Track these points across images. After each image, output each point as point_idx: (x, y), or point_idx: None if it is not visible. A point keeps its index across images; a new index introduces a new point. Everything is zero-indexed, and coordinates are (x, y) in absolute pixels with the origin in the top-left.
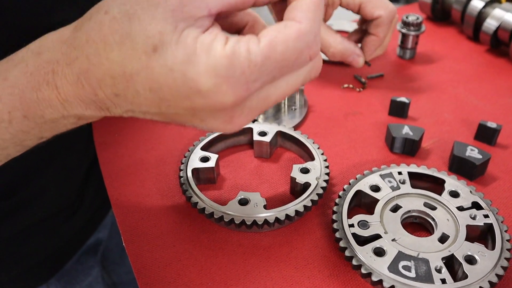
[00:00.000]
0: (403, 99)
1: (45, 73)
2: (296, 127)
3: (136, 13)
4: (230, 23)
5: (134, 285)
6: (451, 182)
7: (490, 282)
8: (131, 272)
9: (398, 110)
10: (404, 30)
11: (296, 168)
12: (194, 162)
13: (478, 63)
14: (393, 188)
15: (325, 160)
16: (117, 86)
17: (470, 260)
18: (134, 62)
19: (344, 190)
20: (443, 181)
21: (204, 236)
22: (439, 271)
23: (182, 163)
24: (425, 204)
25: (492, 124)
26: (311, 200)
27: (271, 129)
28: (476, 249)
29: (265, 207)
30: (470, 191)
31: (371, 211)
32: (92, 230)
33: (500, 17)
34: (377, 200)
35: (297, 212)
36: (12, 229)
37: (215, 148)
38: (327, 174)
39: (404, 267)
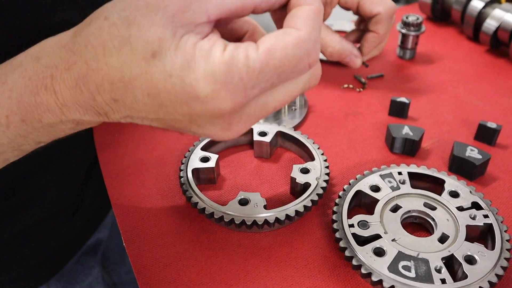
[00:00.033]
0: (403, 99)
1: (43, 78)
2: (296, 127)
3: (135, 19)
4: (230, 31)
5: (134, 285)
6: (451, 182)
7: (489, 282)
8: (131, 272)
9: (398, 110)
10: (404, 31)
11: (296, 168)
12: (194, 162)
13: (478, 63)
14: (393, 188)
15: (325, 160)
16: (115, 91)
17: (470, 260)
18: (133, 67)
19: (344, 190)
20: (443, 181)
21: (204, 236)
22: (439, 271)
23: (182, 163)
24: (425, 204)
25: (492, 124)
26: (311, 200)
27: (271, 129)
28: (476, 249)
29: (265, 207)
30: (470, 191)
31: (371, 211)
32: (92, 230)
33: (500, 18)
34: (377, 200)
35: (297, 212)
36: (12, 229)
37: (215, 148)
38: (327, 174)
39: (404, 267)
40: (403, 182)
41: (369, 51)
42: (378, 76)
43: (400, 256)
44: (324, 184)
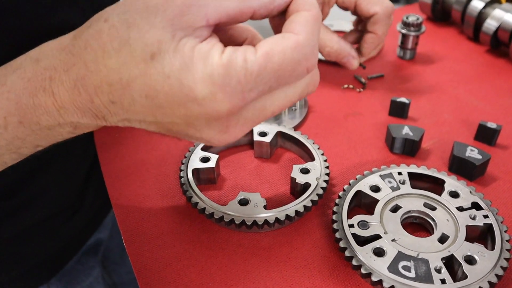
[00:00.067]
0: (403, 99)
1: (42, 79)
2: (296, 128)
3: (135, 21)
4: (229, 38)
5: (134, 285)
6: (451, 182)
7: (489, 282)
8: (131, 272)
9: (398, 110)
10: (404, 31)
11: (296, 168)
12: (195, 162)
13: (478, 63)
14: (393, 189)
15: (325, 161)
16: (113, 93)
17: (470, 260)
18: (131, 68)
19: (344, 190)
20: (443, 182)
21: (204, 236)
22: (438, 271)
23: (183, 164)
24: (425, 205)
25: (492, 125)
26: (311, 201)
27: (271, 129)
28: (475, 250)
29: (265, 207)
30: (470, 192)
31: (371, 212)
32: (92, 230)
33: (500, 18)
34: (377, 201)
35: (297, 212)
36: (13, 230)
37: (215, 149)
38: (327, 174)
39: (404, 267)
40: (403, 182)
41: (369, 52)
42: (378, 76)
43: (400, 256)
44: (324, 184)
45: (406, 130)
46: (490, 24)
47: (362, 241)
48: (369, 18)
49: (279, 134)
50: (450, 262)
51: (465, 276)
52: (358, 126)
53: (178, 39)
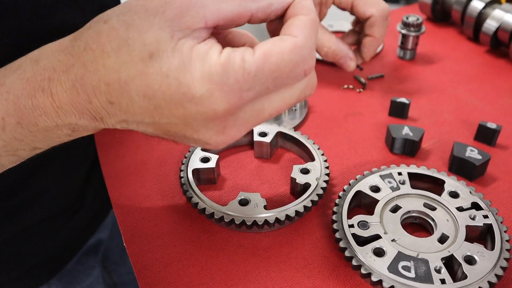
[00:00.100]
0: (403, 99)
1: (41, 80)
2: (296, 128)
3: (134, 22)
4: (227, 43)
5: (134, 285)
6: (451, 182)
7: (489, 282)
8: (131, 272)
9: (398, 110)
10: (404, 31)
11: (296, 168)
12: (195, 162)
13: (478, 63)
14: (393, 189)
15: (325, 161)
16: (111, 93)
17: (470, 260)
18: (130, 68)
19: (344, 190)
20: (443, 182)
21: (204, 237)
22: (438, 271)
23: (183, 164)
24: (425, 205)
25: (492, 125)
26: (311, 201)
27: (271, 129)
28: (475, 250)
29: (265, 207)
30: (470, 192)
31: (371, 212)
32: (93, 231)
33: (500, 18)
34: (377, 201)
35: (297, 212)
36: (13, 230)
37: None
38: (327, 174)
39: (404, 268)
40: (403, 183)
41: (370, 55)
42: (378, 77)
43: (400, 256)
44: (324, 185)
45: (406, 130)
46: (490, 25)
47: (362, 241)
48: (365, 20)
49: (279, 134)
50: (450, 262)
51: (465, 276)
52: (358, 126)
53: (177, 39)
